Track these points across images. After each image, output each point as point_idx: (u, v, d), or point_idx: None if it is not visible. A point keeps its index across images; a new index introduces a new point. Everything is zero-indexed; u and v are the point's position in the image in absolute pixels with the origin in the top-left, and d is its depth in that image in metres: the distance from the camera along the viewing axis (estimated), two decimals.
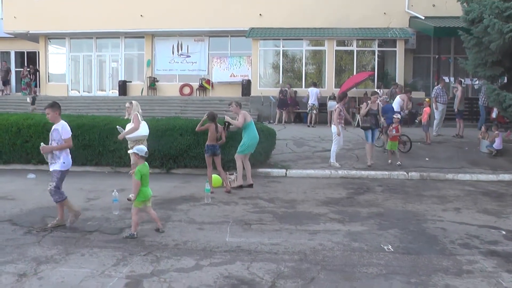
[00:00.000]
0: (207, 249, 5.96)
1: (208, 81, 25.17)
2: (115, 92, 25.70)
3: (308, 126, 19.36)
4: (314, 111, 20.05)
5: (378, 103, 12.56)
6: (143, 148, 6.96)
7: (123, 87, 25.24)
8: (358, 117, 20.16)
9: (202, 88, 25.18)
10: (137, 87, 25.60)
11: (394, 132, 12.56)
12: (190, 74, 25.67)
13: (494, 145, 13.41)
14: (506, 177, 11.43)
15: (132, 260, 5.52)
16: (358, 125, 19.57)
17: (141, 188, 6.52)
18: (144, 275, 5.08)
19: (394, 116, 13.10)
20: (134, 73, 26.77)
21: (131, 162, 8.74)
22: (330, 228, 7.02)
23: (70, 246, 6.07)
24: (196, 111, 20.67)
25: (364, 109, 12.45)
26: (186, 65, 25.75)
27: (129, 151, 8.01)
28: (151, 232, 6.65)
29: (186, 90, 25.29)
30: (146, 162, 6.79)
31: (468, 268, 5.57)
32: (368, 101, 12.65)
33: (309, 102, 20.24)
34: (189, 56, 25.72)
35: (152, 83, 25.34)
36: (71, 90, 26.44)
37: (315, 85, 21.06)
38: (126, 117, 9.90)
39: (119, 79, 25.84)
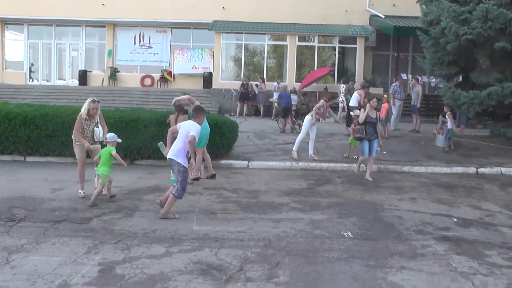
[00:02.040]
0: (175, 237, 6.19)
1: (169, 73, 25.21)
2: (75, 82, 25.43)
3: (272, 119, 19.68)
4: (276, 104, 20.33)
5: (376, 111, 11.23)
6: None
7: (83, 76, 25.00)
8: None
9: (163, 79, 25.21)
10: (98, 77, 25.38)
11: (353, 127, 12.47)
12: (152, 65, 25.67)
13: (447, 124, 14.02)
14: (459, 169, 12.05)
15: (103, 248, 5.71)
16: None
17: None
18: (117, 262, 5.28)
19: (352, 113, 13.22)
20: (95, 63, 26.50)
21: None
22: (293, 216, 7.37)
23: (40, 235, 6.17)
24: (158, 103, 20.72)
25: (362, 115, 10.88)
26: (147, 56, 25.70)
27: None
28: (120, 221, 6.84)
29: (148, 81, 25.25)
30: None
31: (421, 252, 6.03)
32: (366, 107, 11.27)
33: (274, 96, 20.48)
34: (151, 47, 25.67)
35: (113, 74, 25.18)
36: (29, 78, 25.96)
37: (279, 80, 21.43)
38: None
39: (79, 68, 25.53)
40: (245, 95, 21.08)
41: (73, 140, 8.28)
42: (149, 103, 20.72)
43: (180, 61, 25.16)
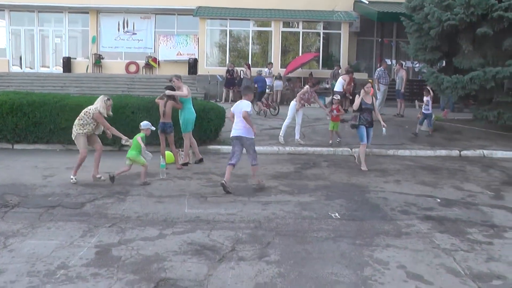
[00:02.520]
0: (168, 220, 6.37)
1: (154, 59, 25.17)
2: (59, 69, 25.25)
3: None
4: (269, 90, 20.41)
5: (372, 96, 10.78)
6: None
7: (67, 63, 24.81)
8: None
9: (148, 66, 25.17)
10: (82, 64, 25.24)
11: (335, 112, 12.70)
12: (136, 52, 25.58)
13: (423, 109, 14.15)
14: (442, 152, 12.34)
15: (98, 232, 5.86)
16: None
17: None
18: (112, 244, 5.44)
19: (335, 97, 13.30)
20: (79, 50, 26.33)
21: None
22: (281, 199, 7.59)
23: (35, 220, 6.30)
24: (143, 89, 20.75)
25: (356, 102, 10.28)
26: (132, 42, 25.60)
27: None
28: (113, 205, 6.99)
29: (132, 68, 25.19)
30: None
31: (406, 231, 6.29)
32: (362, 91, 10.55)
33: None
34: (135, 34, 25.57)
35: (98, 60, 25.06)
36: (13, 65, 25.69)
37: (270, 66, 21.42)
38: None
39: (63, 55, 25.31)
40: (231, 81, 21.17)
41: (77, 132, 8.47)
42: (135, 90, 20.74)
43: (165, 48, 25.12)
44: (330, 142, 12.70)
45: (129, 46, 25.62)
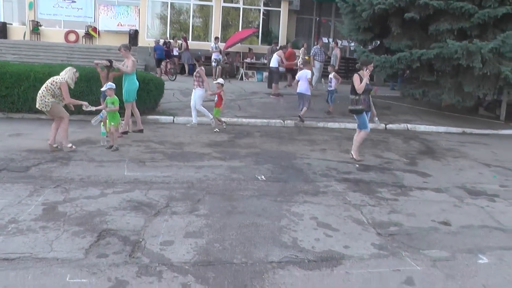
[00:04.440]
0: (109, 181, 6.98)
1: (94, 29, 25.07)
2: None
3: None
4: (215, 64, 20.89)
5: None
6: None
7: (3, 29, 24.35)
8: (242, 70, 21.57)
9: (88, 36, 25.05)
10: (19, 30, 24.77)
11: (216, 99, 11.79)
12: (76, 21, 25.39)
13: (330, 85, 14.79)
14: (370, 125, 13.35)
15: (44, 192, 6.39)
16: (241, 78, 21.10)
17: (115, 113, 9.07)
18: (58, 202, 6.01)
19: (218, 81, 11.99)
20: (15, 15, 25.71)
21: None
22: (214, 164, 8.35)
23: None
24: (84, 59, 20.75)
25: (361, 83, 9.01)
26: (71, 10, 25.35)
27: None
28: (57, 169, 7.50)
29: (72, 37, 24.99)
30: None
31: (323, 190, 7.19)
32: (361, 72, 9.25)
33: (213, 56, 21.02)
34: (74, 2, 25.35)
35: (35, 28, 24.67)
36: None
37: (216, 41, 21.76)
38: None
39: None
40: (166, 53, 21.49)
41: (51, 101, 8.65)
42: (74, 59, 20.71)
43: (105, 18, 25.04)
44: (216, 130, 11.54)
45: (68, 14, 25.35)
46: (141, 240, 4.96)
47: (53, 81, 8.69)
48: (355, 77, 9.11)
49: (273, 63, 16.68)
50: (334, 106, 14.73)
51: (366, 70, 9.08)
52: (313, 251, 4.90)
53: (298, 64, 17.44)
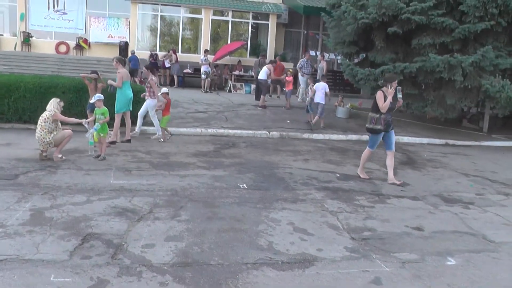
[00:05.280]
0: (95, 189, 7.20)
1: (85, 41, 25.30)
2: None
3: (202, 91, 20.72)
4: (204, 76, 21.18)
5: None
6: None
7: None
8: (230, 83, 21.90)
9: (79, 47, 25.26)
10: (10, 41, 24.94)
11: (163, 107, 11.80)
12: (67, 32, 25.59)
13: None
14: (353, 137, 13.73)
15: (32, 198, 6.59)
16: (229, 91, 21.42)
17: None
18: (45, 208, 6.22)
19: (163, 89, 11.93)
20: (6, 26, 25.89)
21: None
22: (198, 173, 8.60)
23: None
24: (74, 70, 20.91)
25: (385, 101, 8.48)
26: (62, 22, 25.56)
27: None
28: (45, 177, 7.71)
29: (63, 48, 25.19)
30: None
31: (302, 198, 7.45)
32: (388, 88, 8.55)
33: (202, 68, 21.26)
34: (66, 13, 25.52)
35: (26, 39, 24.84)
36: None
37: (206, 54, 21.97)
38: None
39: None
40: (154, 65, 21.75)
41: (51, 138, 8.92)
42: (65, 71, 20.89)
43: (96, 29, 25.30)
44: (161, 140, 11.52)
45: (59, 25, 25.57)
46: (123, 243, 5.18)
47: (45, 119, 8.91)
48: (379, 95, 8.52)
49: (262, 75, 16.98)
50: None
51: (390, 88, 8.44)
52: (287, 254, 5.15)
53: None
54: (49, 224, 5.64)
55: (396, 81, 8.62)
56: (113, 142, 10.63)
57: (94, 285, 4.23)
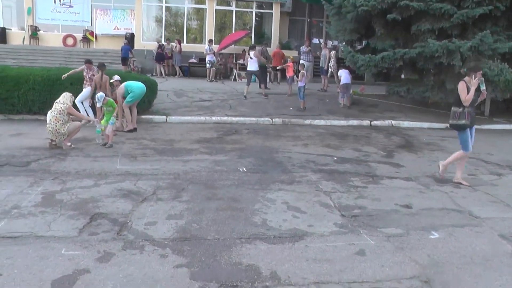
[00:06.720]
0: (102, 174, 7.62)
1: (91, 33, 25.68)
2: None
3: (208, 80, 21.02)
4: (209, 66, 21.48)
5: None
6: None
7: (2, 34, 24.95)
8: (235, 72, 22.19)
9: (85, 39, 25.66)
10: (18, 35, 25.40)
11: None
12: (73, 25, 25.95)
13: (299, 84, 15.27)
14: (354, 122, 14.01)
15: (43, 183, 7.03)
16: (234, 79, 21.75)
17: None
18: (56, 191, 6.66)
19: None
20: (14, 21, 26.36)
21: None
22: (200, 158, 9.00)
23: None
24: (81, 63, 21.02)
25: (468, 93, 7.56)
26: (69, 15, 25.92)
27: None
28: (55, 164, 8.15)
29: (70, 41, 25.60)
30: None
31: (299, 180, 7.80)
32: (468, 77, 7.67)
33: (207, 58, 21.59)
34: (72, 7, 25.88)
35: (34, 32, 25.27)
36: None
37: (210, 43, 22.23)
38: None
39: None
40: (161, 55, 22.16)
41: (65, 129, 9.34)
42: (72, 63, 21.25)
43: (102, 22, 25.68)
44: (99, 142, 10.04)
45: (66, 19, 25.95)
46: (128, 221, 5.60)
47: (60, 111, 9.28)
48: (461, 86, 7.62)
49: (254, 66, 16.95)
50: (322, 105, 15.33)
51: (474, 78, 7.52)
52: (279, 229, 5.54)
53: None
54: (59, 205, 6.07)
55: (481, 71, 7.70)
56: (131, 130, 11.24)
57: (101, 257, 4.64)
